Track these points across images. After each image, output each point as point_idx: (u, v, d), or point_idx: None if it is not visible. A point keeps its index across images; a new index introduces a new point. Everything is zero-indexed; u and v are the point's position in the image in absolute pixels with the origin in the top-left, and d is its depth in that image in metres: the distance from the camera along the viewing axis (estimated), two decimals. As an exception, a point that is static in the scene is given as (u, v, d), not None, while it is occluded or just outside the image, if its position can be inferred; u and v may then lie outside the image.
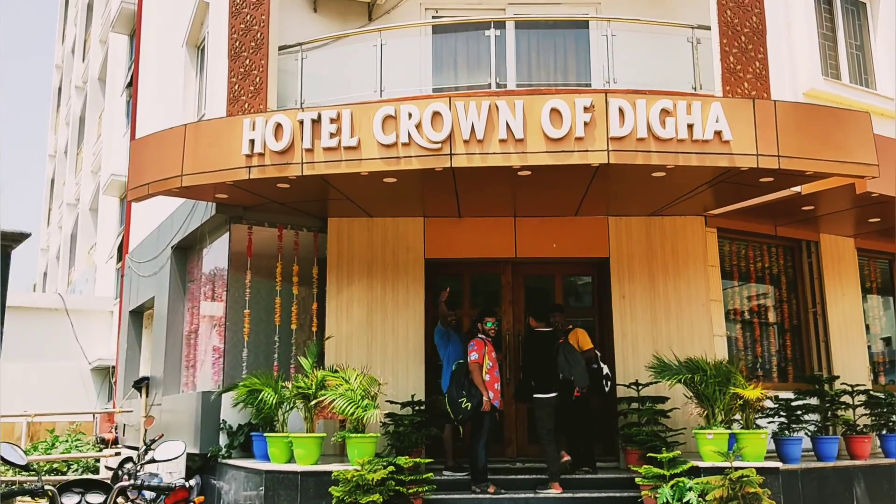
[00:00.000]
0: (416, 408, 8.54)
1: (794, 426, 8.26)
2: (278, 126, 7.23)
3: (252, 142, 7.27)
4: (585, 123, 6.86)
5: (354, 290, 9.14)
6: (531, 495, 7.59)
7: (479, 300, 9.60)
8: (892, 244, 10.82)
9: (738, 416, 7.54)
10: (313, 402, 7.05)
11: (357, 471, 6.57)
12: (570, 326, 8.60)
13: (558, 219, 9.27)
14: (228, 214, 8.89)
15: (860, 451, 8.40)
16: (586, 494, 7.60)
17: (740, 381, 7.21)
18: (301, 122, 7.18)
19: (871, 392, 9.01)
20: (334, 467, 6.86)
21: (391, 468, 6.61)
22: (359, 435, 6.93)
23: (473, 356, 7.74)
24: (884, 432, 8.80)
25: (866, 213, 9.26)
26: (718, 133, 6.93)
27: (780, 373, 10.03)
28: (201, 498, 7.52)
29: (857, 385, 8.87)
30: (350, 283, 9.16)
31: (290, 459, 7.28)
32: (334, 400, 6.87)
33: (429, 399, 8.76)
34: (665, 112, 6.91)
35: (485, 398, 7.58)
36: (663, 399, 8.27)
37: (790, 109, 7.17)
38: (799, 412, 8.39)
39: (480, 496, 7.55)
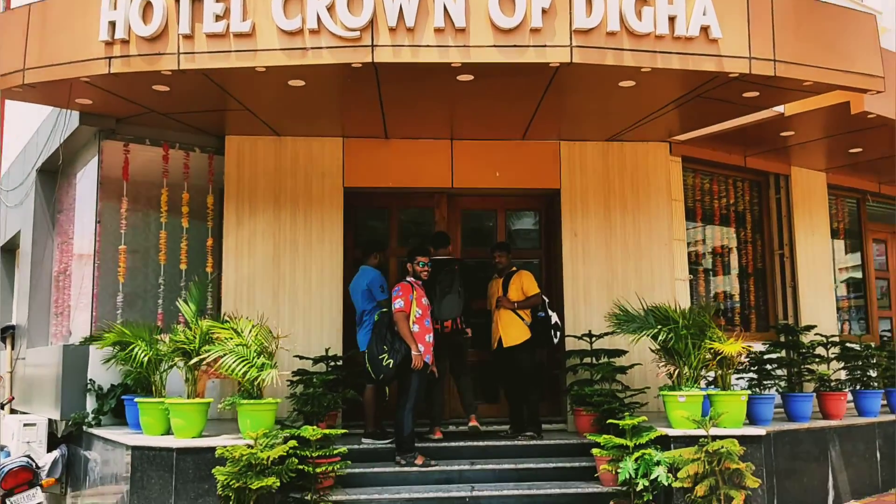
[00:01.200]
0: (332, 364, 7.16)
1: (765, 382, 7.22)
2: (147, 4, 5.54)
3: (112, 25, 5.57)
4: (544, 11, 5.41)
5: (258, 224, 7.60)
6: (466, 467, 6.36)
7: (410, 239, 8.19)
8: (864, 181, 9.85)
9: (710, 374, 6.43)
10: (195, 360, 5.56)
11: (249, 447, 5.16)
12: (514, 269, 7.31)
13: (503, 143, 7.87)
14: (97, 127, 7.17)
15: (834, 409, 7.43)
16: (531, 465, 6.40)
17: (717, 334, 6.06)
18: (177, 0, 5.51)
19: (847, 344, 8.05)
20: (220, 442, 5.43)
21: (292, 442, 5.23)
22: (252, 402, 5.50)
23: (398, 303, 6.39)
24: (858, 388, 7.88)
25: (849, 141, 8.18)
26: (705, 29, 5.59)
27: (743, 321, 9.00)
28: (51, 480, 6.01)
29: (832, 336, 7.90)
30: (253, 216, 7.61)
31: (169, 431, 5.81)
32: (221, 357, 5.40)
33: (347, 354, 7.39)
34: (642, 0, 5.52)
35: (413, 352, 6.25)
36: (620, 352, 7.11)
37: (790, 4, 5.88)
38: (769, 367, 7.36)
39: (406, 469, 6.28)
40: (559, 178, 7.95)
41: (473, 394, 7.30)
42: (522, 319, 7.12)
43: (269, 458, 5.04)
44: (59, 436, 7.05)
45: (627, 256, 7.91)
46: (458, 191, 8.01)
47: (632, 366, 6.83)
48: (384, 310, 6.56)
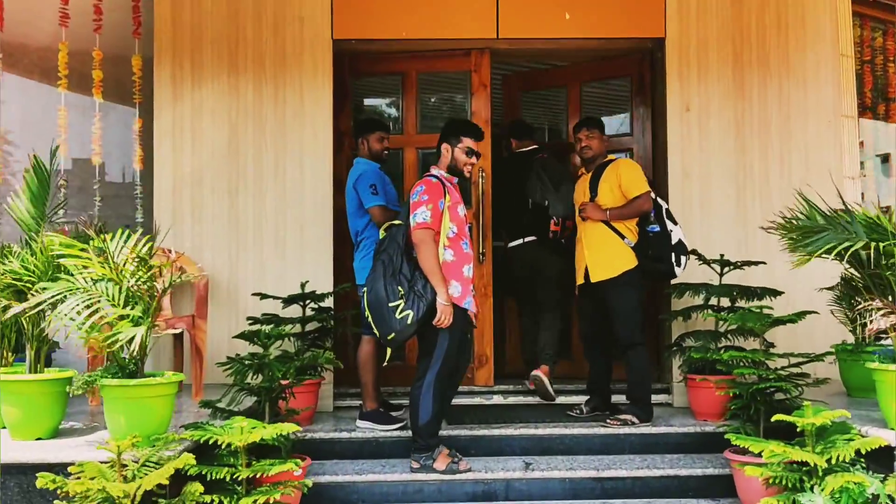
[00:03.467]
0: (315, 306, 4.70)
1: None
2: None
3: None
4: None
5: (206, 98, 5.07)
6: (518, 474, 3.90)
7: (435, 118, 5.57)
8: None
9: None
10: (23, 307, 3.07)
11: (107, 464, 2.74)
12: (609, 158, 4.64)
13: (576, -34, 5.10)
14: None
15: None
16: (623, 472, 3.91)
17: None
18: None
19: None
20: (71, 454, 3.02)
21: (188, 458, 2.79)
22: (123, 382, 3.03)
23: (422, 215, 3.82)
24: None
25: None
26: None
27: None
28: None
29: None
30: (198, 85, 5.07)
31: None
32: (58, 300, 2.92)
33: (340, 288, 4.90)
34: None
35: (440, 301, 3.74)
36: (774, 292, 4.45)
37: None
38: None
39: (421, 476, 3.86)
40: (663, 23, 5.15)
41: (558, 339, 5.03)
42: (622, 237, 4.49)
43: (137, 492, 2.61)
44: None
45: (767, 141, 5.13)
46: (507, 47, 5.30)
47: (801, 315, 4.12)
48: (396, 223, 4.01)
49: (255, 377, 3.74)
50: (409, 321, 3.68)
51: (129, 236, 3.13)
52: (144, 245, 3.21)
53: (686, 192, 5.03)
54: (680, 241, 4.41)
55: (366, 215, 4.54)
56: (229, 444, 3.02)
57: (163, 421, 3.10)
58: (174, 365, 4.71)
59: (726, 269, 4.69)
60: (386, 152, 4.77)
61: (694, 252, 4.56)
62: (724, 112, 5.13)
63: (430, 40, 5.21)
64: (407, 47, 5.28)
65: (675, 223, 4.48)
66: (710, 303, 4.66)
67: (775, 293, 4.49)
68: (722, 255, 4.70)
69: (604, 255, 4.50)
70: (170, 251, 4.73)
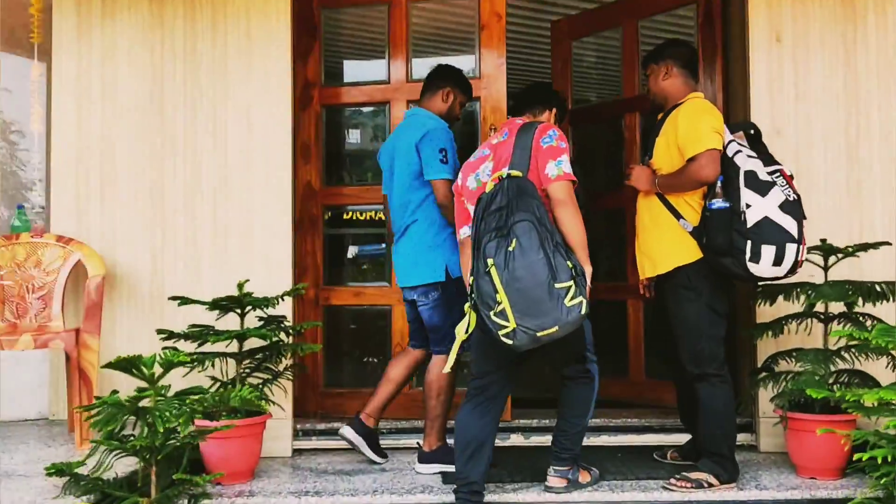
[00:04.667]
0: (259, 313, 3.39)
1: None
2: None
3: None
4: None
5: (122, 33, 3.78)
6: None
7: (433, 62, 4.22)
8: None
9: None
10: None
11: None
12: (688, 98, 3.19)
13: None
14: None
15: None
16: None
17: None
18: None
19: None
20: None
21: None
22: None
23: (566, 165, 2.79)
24: None
25: None
26: None
27: None
28: None
29: None
30: (110, 16, 3.78)
31: None
32: None
33: (292, 291, 3.56)
34: None
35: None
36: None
37: None
38: None
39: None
40: (742, -78, 3.75)
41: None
42: (678, 217, 3.11)
43: None
44: None
45: (891, 83, 3.69)
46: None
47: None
48: (513, 173, 2.72)
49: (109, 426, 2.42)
50: (582, 311, 2.53)
51: None
52: None
53: (777, 154, 3.58)
54: (765, 223, 2.92)
55: (424, 187, 3.26)
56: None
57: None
58: (69, 395, 3.44)
59: (832, 259, 3.30)
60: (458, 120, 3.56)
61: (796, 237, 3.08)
62: (830, 44, 3.69)
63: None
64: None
65: (766, 191, 2.97)
66: (815, 309, 3.27)
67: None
68: (824, 241, 3.29)
69: (652, 241, 3.16)
70: (70, 240, 3.47)
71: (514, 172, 2.70)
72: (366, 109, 4.28)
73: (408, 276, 3.29)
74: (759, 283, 3.34)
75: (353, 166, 4.39)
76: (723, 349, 3.10)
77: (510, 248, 2.52)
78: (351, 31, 4.36)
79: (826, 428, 2.68)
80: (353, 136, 4.38)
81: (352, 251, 4.42)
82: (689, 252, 3.05)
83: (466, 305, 2.70)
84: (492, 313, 2.52)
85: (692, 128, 3.00)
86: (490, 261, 2.53)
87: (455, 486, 2.86)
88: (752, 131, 3.22)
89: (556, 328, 2.50)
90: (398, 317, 3.94)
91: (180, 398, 2.50)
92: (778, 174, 3.05)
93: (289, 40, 3.76)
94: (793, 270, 2.98)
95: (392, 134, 3.52)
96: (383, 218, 3.82)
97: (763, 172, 3.02)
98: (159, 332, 3.23)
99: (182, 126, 3.74)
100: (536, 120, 3.02)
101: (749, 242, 2.90)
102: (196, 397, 2.38)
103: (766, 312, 3.47)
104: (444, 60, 3.67)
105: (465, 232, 2.92)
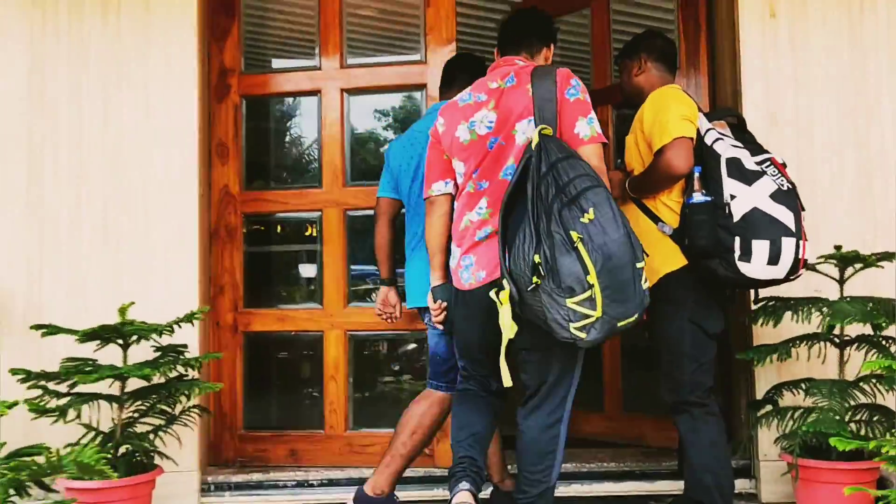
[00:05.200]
0: (153, 344, 2.75)
1: None
2: None
3: None
4: None
5: (-4, 9, 3.17)
6: None
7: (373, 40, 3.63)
8: None
9: None
10: None
11: None
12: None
13: None
14: None
15: None
16: None
17: None
18: None
19: None
20: None
21: None
22: None
23: (596, 124, 2.27)
24: None
25: None
26: None
27: None
28: None
29: None
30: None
31: None
32: None
33: (193, 314, 2.89)
34: None
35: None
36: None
37: None
38: None
39: None
40: None
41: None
42: (656, 221, 2.60)
43: None
44: None
45: (903, 63, 3.17)
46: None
47: None
48: (545, 130, 2.17)
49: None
50: (648, 294, 2.10)
51: None
52: None
53: (774, 148, 3.00)
54: (755, 216, 2.39)
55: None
56: None
57: None
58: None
59: (849, 270, 2.75)
60: None
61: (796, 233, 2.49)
62: (833, 17, 3.16)
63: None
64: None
65: (753, 181, 2.44)
66: (841, 336, 2.70)
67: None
68: (839, 248, 2.73)
69: None
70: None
71: (548, 129, 2.16)
72: (294, 100, 3.67)
73: (424, 295, 2.61)
74: (758, 296, 2.78)
75: (279, 167, 3.77)
76: (710, 376, 2.56)
77: (584, 220, 1.98)
78: (277, 11, 3.76)
79: (856, 486, 2.08)
80: (280, 133, 3.75)
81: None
82: (671, 259, 2.54)
83: (503, 295, 2.06)
84: (571, 301, 1.96)
85: (657, 118, 2.53)
86: (574, 234, 1.97)
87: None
88: (735, 120, 2.70)
89: (636, 316, 2.04)
90: (331, 345, 3.32)
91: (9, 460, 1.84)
92: (768, 163, 2.53)
93: (196, 17, 3.15)
94: (793, 271, 2.45)
95: (413, 129, 2.89)
96: (312, 230, 3.21)
97: (750, 162, 2.51)
98: (13, 371, 2.57)
99: (66, 118, 3.12)
100: (537, 63, 2.41)
101: (737, 239, 2.40)
102: (13, 463, 1.72)
103: (766, 333, 2.90)
104: (384, 43, 3.08)
105: (438, 188, 2.39)
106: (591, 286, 1.95)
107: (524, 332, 2.11)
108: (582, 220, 1.98)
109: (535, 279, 1.98)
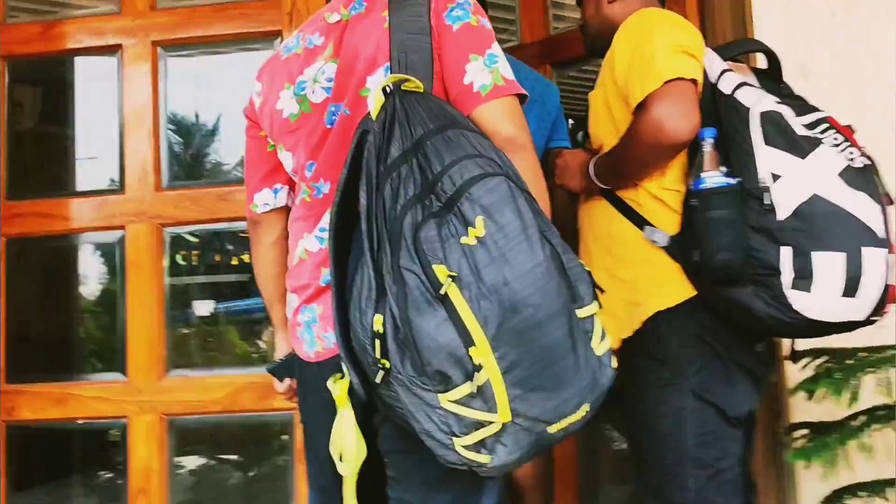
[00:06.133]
0: None
1: None
2: None
3: None
4: None
5: None
6: None
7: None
8: None
9: None
10: None
11: None
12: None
13: None
14: None
15: None
16: None
17: None
18: None
19: None
20: None
21: None
22: None
23: (503, 68, 1.25)
24: None
25: None
26: None
27: None
28: None
29: None
30: None
31: None
32: None
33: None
34: None
35: None
36: None
37: None
38: None
39: None
40: None
41: None
42: (641, 225, 1.55)
43: None
44: None
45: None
46: None
47: None
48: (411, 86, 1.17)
49: None
50: (611, 360, 1.13)
51: None
52: None
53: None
54: (816, 209, 1.39)
55: None
56: None
57: None
58: None
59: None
60: None
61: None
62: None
63: None
64: None
65: (809, 150, 1.43)
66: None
67: None
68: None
69: (605, 279, 1.40)
70: None
71: (413, 83, 1.16)
72: (84, 62, 2.49)
73: None
74: (796, 348, 1.73)
75: (60, 166, 2.55)
76: (731, 496, 1.54)
77: (466, 241, 1.02)
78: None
79: None
80: (61, 113, 2.54)
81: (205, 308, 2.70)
82: (668, 287, 1.55)
83: (341, 387, 1.19)
84: (447, 398, 1.02)
85: (637, 52, 1.51)
86: (441, 270, 1.01)
87: None
88: (764, 56, 1.72)
89: (583, 410, 1.09)
90: (139, 439, 2.11)
91: None
92: (825, 126, 1.52)
93: None
94: (880, 307, 1.44)
95: None
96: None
97: (797, 123, 1.48)
98: None
99: None
100: None
101: (787, 250, 1.39)
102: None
103: (806, 409, 1.83)
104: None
105: (263, 201, 1.44)
106: (477, 368, 0.99)
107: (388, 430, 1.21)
108: (463, 241, 1.02)
109: (381, 360, 1.02)
